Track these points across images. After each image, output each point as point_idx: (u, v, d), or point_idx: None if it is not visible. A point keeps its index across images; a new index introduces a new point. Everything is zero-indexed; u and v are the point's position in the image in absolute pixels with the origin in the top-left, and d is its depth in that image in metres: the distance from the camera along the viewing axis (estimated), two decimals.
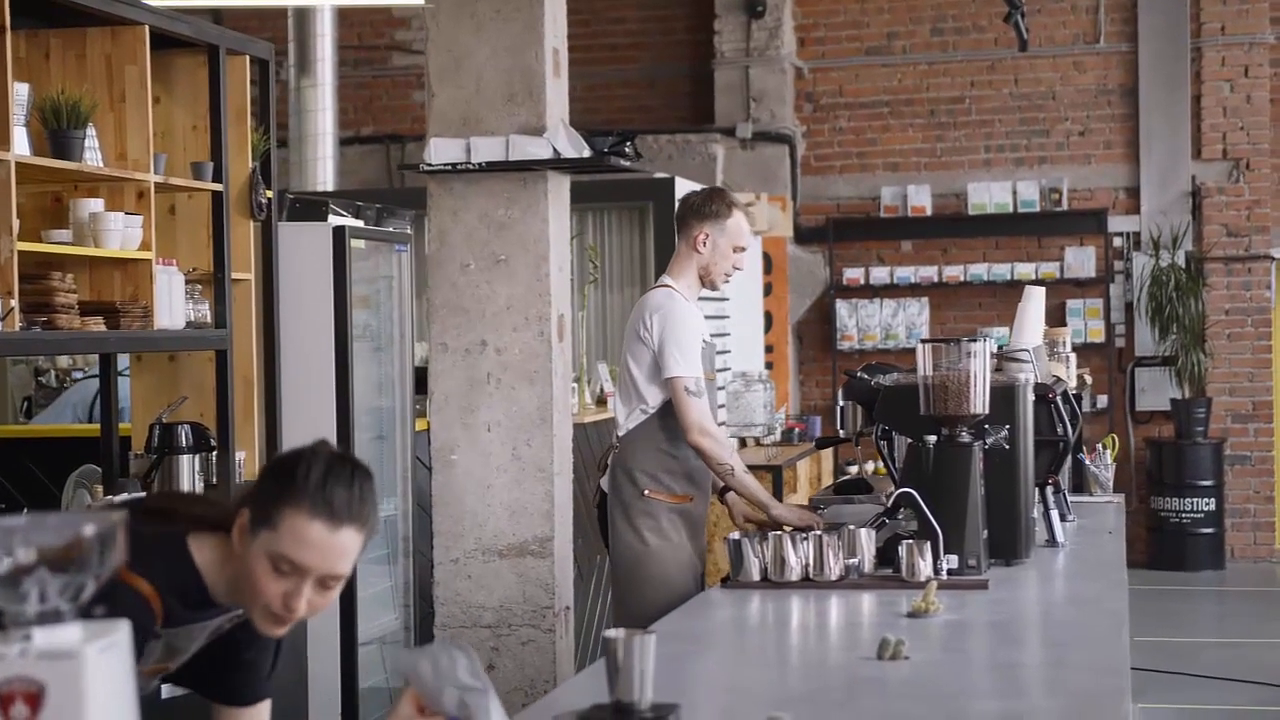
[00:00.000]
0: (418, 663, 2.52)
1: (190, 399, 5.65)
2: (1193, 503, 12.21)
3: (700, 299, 9.25)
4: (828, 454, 11.30)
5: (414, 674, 2.53)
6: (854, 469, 12.34)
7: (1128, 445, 12.66)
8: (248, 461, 5.83)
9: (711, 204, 5.34)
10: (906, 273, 12.84)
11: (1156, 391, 12.56)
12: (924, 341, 4.49)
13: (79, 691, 1.73)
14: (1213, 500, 12.23)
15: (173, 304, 5.26)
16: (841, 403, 5.19)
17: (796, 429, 11.11)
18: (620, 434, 5.34)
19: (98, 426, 5.74)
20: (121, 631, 1.80)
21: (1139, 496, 12.60)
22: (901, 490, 4.39)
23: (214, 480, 5.59)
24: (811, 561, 4.27)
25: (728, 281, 5.45)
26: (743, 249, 5.38)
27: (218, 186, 5.56)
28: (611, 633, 2.76)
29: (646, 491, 5.22)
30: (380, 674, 6.69)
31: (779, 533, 4.34)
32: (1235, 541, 12.51)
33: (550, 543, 5.82)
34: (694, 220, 5.34)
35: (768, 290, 12.33)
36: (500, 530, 5.75)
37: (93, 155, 4.94)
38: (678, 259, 5.39)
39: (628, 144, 6.22)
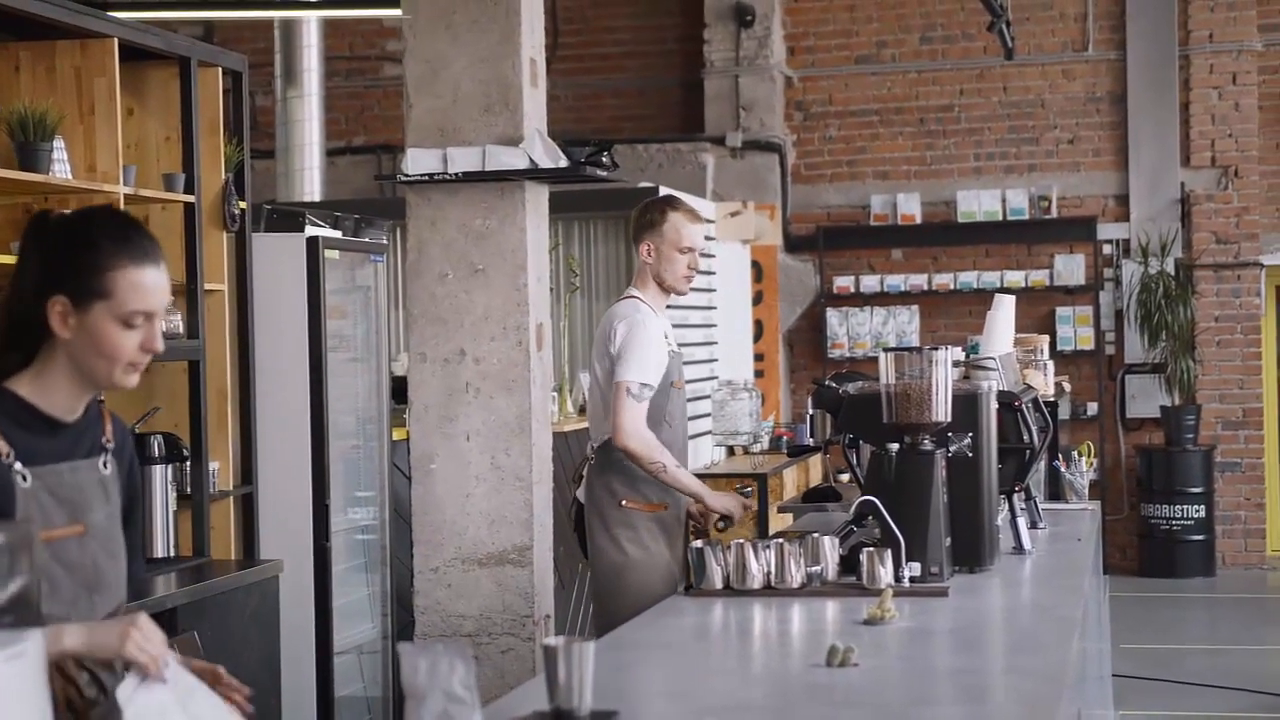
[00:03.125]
0: (417, 658, 2.56)
1: (163, 409, 5.67)
2: (1183, 510, 12.21)
3: (685, 307, 9.30)
4: (816, 462, 11.31)
5: (408, 667, 2.56)
6: (845, 477, 12.35)
7: (1118, 452, 12.67)
8: (221, 471, 5.85)
9: (646, 214, 5.47)
10: (897, 281, 12.85)
11: (1146, 398, 12.57)
12: (887, 350, 4.51)
13: None
14: (1203, 507, 12.23)
15: None
16: (811, 411, 5.22)
17: (785, 437, 11.13)
18: (595, 445, 5.42)
19: None
20: (32, 642, 1.82)
21: (1129, 503, 12.61)
22: (864, 498, 4.40)
23: (188, 490, 5.60)
24: (773, 569, 4.29)
25: (690, 282, 5.51)
26: (689, 249, 5.42)
27: (190, 198, 5.58)
28: (550, 641, 2.79)
29: (624, 502, 5.31)
30: (358, 683, 6.70)
31: (741, 541, 4.36)
32: (1225, 548, 12.51)
33: (529, 551, 5.84)
34: (635, 234, 5.49)
35: (758, 299, 12.35)
36: (479, 539, 5.77)
37: (61, 167, 4.96)
38: (637, 271, 5.52)
39: (604, 154, 6.24)
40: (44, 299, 2.70)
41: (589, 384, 5.59)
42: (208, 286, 5.72)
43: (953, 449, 4.50)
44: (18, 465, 2.66)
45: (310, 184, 10.63)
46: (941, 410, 4.42)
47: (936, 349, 4.45)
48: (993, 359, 5.20)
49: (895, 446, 4.43)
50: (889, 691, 3.19)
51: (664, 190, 9.88)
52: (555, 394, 8.03)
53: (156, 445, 5.43)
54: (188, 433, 5.63)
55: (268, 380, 6.16)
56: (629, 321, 5.30)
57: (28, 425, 2.70)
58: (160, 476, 5.43)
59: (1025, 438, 5.05)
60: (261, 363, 6.11)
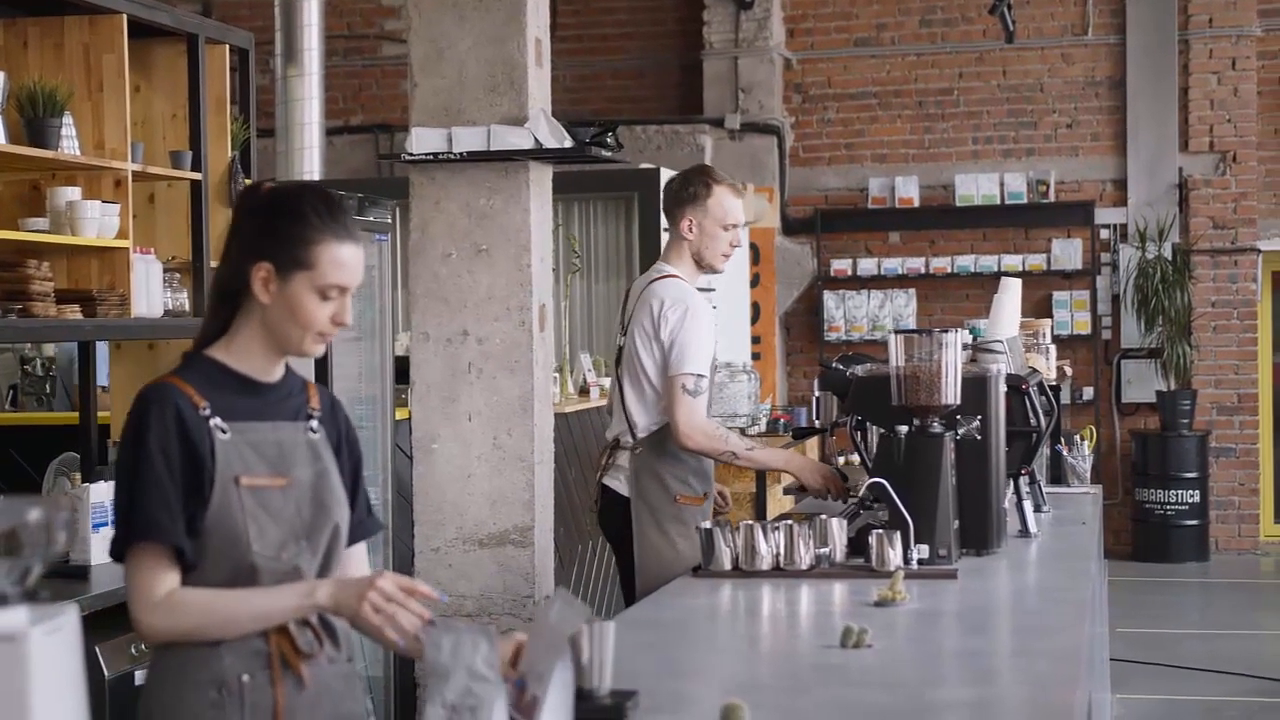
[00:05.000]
0: (441, 637, 2.58)
1: None
2: (1177, 494, 12.24)
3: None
4: (814, 444, 11.32)
5: (432, 645, 2.58)
6: (841, 459, 12.36)
7: (1113, 437, 12.69)
8: None
9: (689, 186, 5.21)
10: (894, 264, 12.86)
11: (1142, 383, 12.59)
12: (896, 332, 4.50)
13: (24, 674, 1.74)
14: (1197, 492, 12.26)
15: (150, 292, 5.28)
16: (818, 393, 5.20)
17: (783, 419, 11.13)
18: (639, 434, 5.16)
19: (77, 415, 5.75)
20: (68, 617, 1.82)
21: (1124, 488, 12.63)
22: (873, 480, 4.40)
23: None
24: (782, 551, 4.29)
25: (727, 260, 5.28)
26: (733, 225, 5.19)
27: (196, 175, 5.57)
28: None
29: (678, 497, 5.11)
30: (358, 661, 6.69)
31: (750, 522, 4.36)
32: (1219, 534, 12.55)
33: (531, 532, 5.84)
34: (674, 207, 5.23)
35: (755, 281, 12.35)
36: (481, 519, 5.77)
37: (70, 144, 4.95)
38: (672, 246, 5.27)
39: (609, 135, 6.23)
40: (249, 264, 2.84)
41: (626, 366, 5.24)
42: (214, 264, 5.71)
43: (961, 432, 4.50)
44: (216, 420, 2.82)
45: (310, 163, 10.54)
46: (951, 393, 4.42)
47: (947, 331, 4.45)
48: (1000, 342, 5.20)
49: (904, 429, 4.44)
50: (905, 672, 3.20)
51: (667, 173, 9.88)
52: (556, 375, 8.02)
53: None
54: None
55: None
56: (682, 308, 5.04)
57: (225, 385, 2.86)
58: None
59: (1032, 421, 5.05)
60: None
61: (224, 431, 2.82)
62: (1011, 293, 5.56)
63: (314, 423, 2.96)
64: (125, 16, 5.19)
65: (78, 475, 5.47)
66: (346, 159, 13.00)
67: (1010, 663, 3.31)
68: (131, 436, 2.81)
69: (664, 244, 9.80)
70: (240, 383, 2.88)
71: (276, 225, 2.85)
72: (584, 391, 8.17)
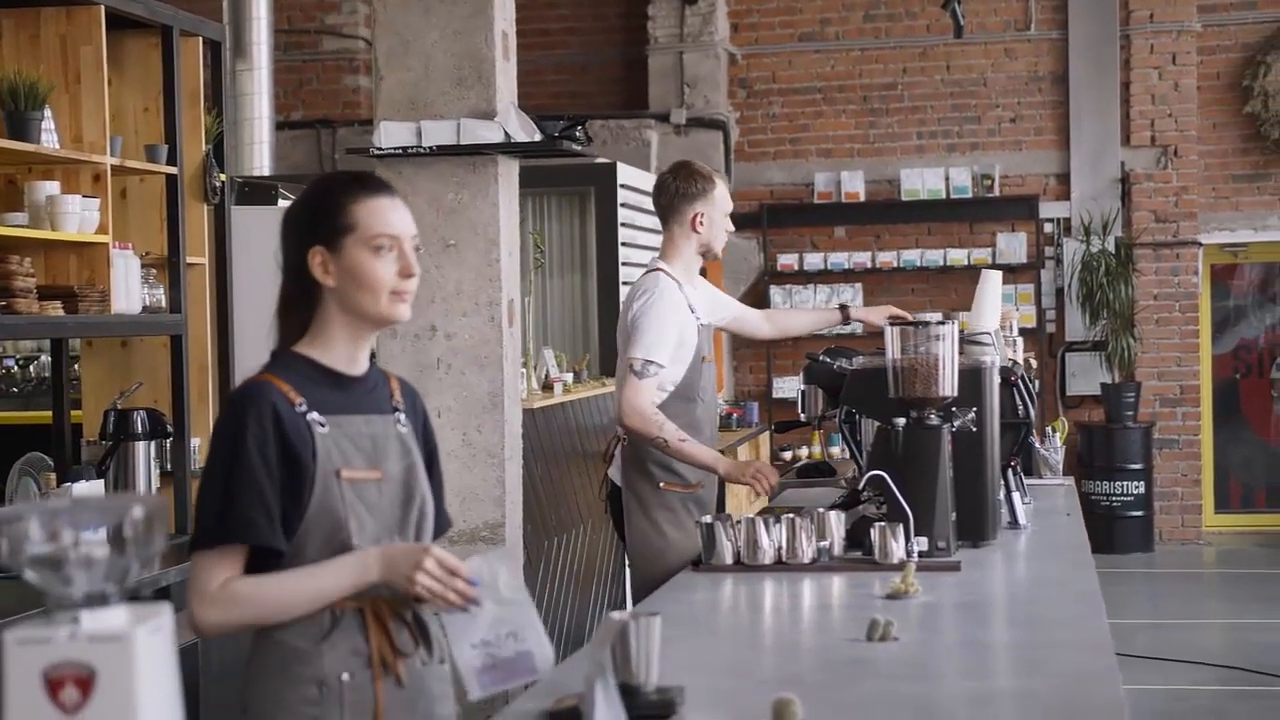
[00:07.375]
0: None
1: (144, 385, 5.58)
2: (1122, 486, 12.35)
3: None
4: (765, 439, 11.35)
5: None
6: (788, 454, 12.38)
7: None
8: (203, 448, 5.76)
9: (696, 183, 5.29)
10: (840, 259, 12.89)
11: (1087, 376, 12.69)
12: (893, 324, 4.50)
13: (130, 674, 1.71)
14: (1142, 483, 12.37)
15: (129, 288, 5.20)
16: (803, 386, 5.18)
17: (734, 415, 11.16)
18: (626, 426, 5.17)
19: (49, 414, 5.65)
20: (165, 615, 1.78)
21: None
22: (872, 473, 4.39)
23: (169, 467, 5.52)
24: (784, 545, 4.28)
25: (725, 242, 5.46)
26: (729, 211, 5.39)
27: (172, 169, 5.48)
28: (618, 615, 2.76)
29: (662, 484, 5.16)
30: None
31: (751, 516, 4.34)
32: (1164, 524, 12.67)
33: (501, 528, 5.82)
34: (684, 204, 5.28)
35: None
36: (451, 516, 5.72)
37: (49, 137, 4.87)
38: (671, 242, 5.32)
39: (578, 128, 6.21)
40: (304, 257, 2.85)
41: (620, 362, 5.32)
42: (189, 260, 5.63)
43: (957, 424, 4.50)
44: (313, 414, 2.81)
45: (260, 158, 10.47)
46: (948, 385, 4.42)
47: (943, 323, 4.45)
48: (988, 334, 5.22)
49: (902, 421, 4.43)
50: (938, 665, 3.19)
51: (624, 168, 9.87)
52: (522, 371, 7.97)
53: (140, 421, 5.34)
54: (169, 408, 5.54)
55: (247, 355, 6.07)
56: (649, 297, 5.13)
57: (316, 379, 2.86)
58: (143, 453, 5.34)
59: (1020, 412, 5.07)
60: (241, 337, 6.03)
61: (322, 425, 2.82)
62: (993, 285, 5.58)
63: (402, 415, 2.95)
64: (103, 8, 5.10)
65: (52, 476, 5.37)
66: (289, 154, 12.86)
67: (1042, 654, 3.29)
68: (229, 436, 2.78)
69: (619, 240, 9.76)
70: (329, 377, 2.87)
71: (311, 211, 2.88)
72: (548, 387, 8.13)
